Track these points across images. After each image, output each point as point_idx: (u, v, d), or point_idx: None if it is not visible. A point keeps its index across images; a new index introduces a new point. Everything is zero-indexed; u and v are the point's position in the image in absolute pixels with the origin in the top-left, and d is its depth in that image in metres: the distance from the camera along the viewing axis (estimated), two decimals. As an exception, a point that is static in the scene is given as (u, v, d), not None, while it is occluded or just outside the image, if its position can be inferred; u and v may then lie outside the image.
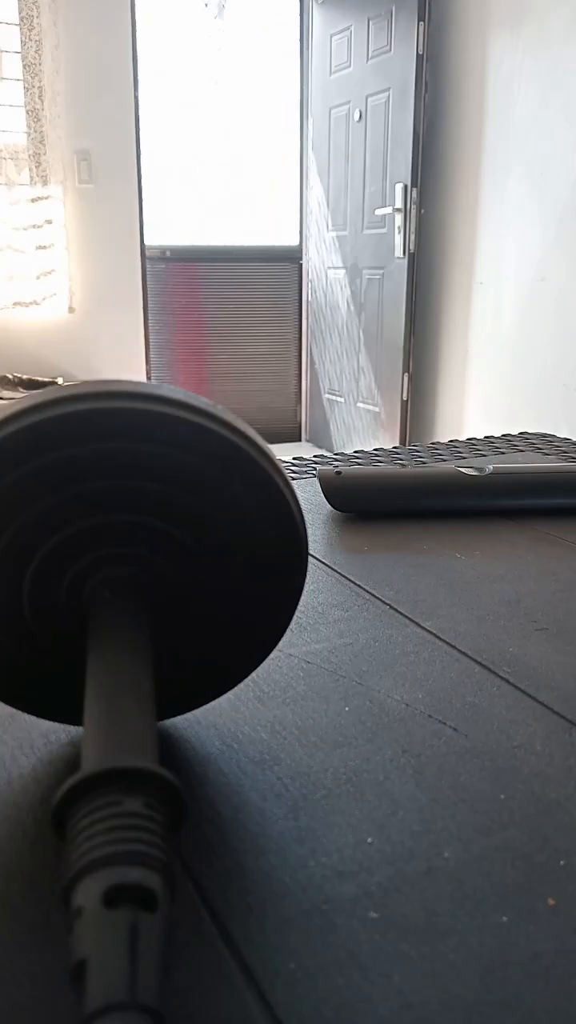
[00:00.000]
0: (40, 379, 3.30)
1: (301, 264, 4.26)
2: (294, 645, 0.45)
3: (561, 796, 0.32)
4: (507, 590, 0.53)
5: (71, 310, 3.43)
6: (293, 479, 0.79)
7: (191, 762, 0.34)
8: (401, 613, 0.49)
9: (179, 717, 0.37)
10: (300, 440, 4.45)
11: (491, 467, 0.68)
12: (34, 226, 3.29)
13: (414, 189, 3.38)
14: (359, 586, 0.53)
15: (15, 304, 3.30)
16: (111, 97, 3.33)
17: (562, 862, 0.29)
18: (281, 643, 0.45)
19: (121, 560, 0.31)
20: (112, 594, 0.31)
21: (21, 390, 3.23)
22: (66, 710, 0.35)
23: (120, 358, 3.59)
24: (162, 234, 4.01)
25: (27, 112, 3.21)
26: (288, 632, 0.46)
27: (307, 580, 0.54)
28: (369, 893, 0.27)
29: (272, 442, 4.27)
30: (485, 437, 0.96)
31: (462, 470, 0.68)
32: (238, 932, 0.26)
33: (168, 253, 4.01)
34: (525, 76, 2.93)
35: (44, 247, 3.32)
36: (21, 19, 3.11)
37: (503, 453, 0.89)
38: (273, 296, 4.29)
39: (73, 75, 3.24)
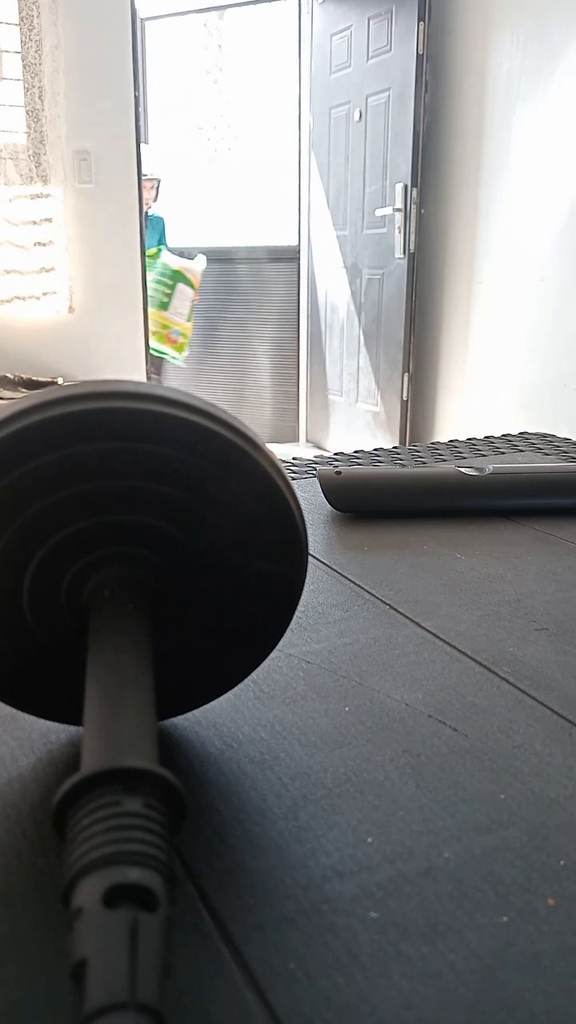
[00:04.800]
0: (40, 379, 3.30)
1: (301, 264, 4.25)
2: (294, 645, 0.45)
3: (561, 796, 0.32)
4: (507, 590, 0.53)
5: (71, 310, 3.43)
6: (293, 479, 0.79)
7: (191, 762, 0.34)
8: (401, 613, 0.49)
9: (179, 717, 0.37)
10: (300, 440, 4.45)
11: (491, 467, 0.68)
12: (33, 222, 3.28)
13: (414, 189, 3.38)
14: (359, 586, 0.53)
15: (15, 298, 3.30)
16: (111, 97, 3.32)
17: (562, 862, 0.29)
18: (281, 643, 0.45)
19: (121, 560, 0.31)
20: (112, 594, 0.31)
21: (21, 390, 3.23)
22: (66, 710, 0.35)
23: (120, 358, 3.58)
24: (162, 234, 4.02)
25: (27, 112, 3.21)
26: (288, 632, 0.46)
27: (307, 580, 0.54)
28: (369, 893, 0.27)
29: (272, 442, 4.27)
30: (485, 437, 0.96)
31: (462, 470, 0.68)
32: (238, 932, 0.26)
33: (168, 253, 4.01)
34: (525, 76, 2.92)
35: (43, 244, 3.31)
36: (21, 19, 3.11)
37: (503, 453, 0.89)
38: (273, 296, 4.29)
39: (73, 75, 3.23)
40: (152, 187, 3.86)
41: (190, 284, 3.92)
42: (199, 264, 3.97)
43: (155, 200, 3.93)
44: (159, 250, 3.91)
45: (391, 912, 0.27)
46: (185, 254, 3.97)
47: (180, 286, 3.89)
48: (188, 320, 3.96)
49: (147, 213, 3.89)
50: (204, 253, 3.99)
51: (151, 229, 3.92)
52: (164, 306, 3.89)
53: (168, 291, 3.88)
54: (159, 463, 0.30)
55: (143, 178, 3.77)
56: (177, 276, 3.89)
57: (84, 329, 3.49)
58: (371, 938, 0.26)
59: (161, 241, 3.99)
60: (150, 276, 3.85)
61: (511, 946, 0.25)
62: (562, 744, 0.36)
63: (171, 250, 3.94)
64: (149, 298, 3.83)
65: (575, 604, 0.50)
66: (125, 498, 0.30)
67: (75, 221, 3.39)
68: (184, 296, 3.91)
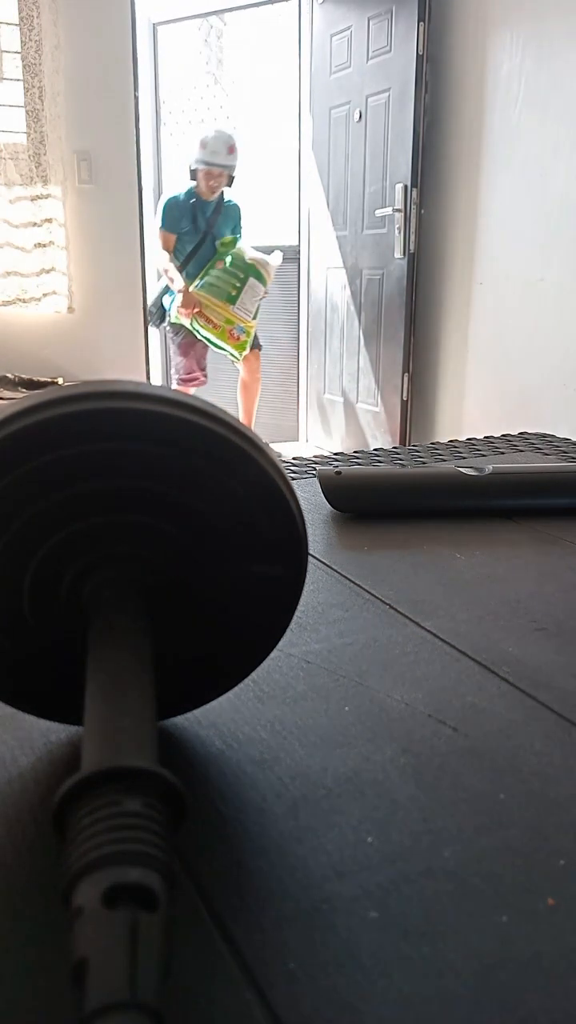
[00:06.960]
0: (40, 379, 3.30)
1: (301, 264, 4.25)
2: (294, 645, 0.45)
3: (561, 796, 0.32)
4: (507, 590, 0.52)
5: (71, 310, 3.43)
6: (293, 479, 0.79)
7: (191, 762, 0.34)
8: (401, 613, 0.49)
9: (179, 717, 0.37)
10: (300, 440, 4.45)
11: (491, 467, 0.68)
12: (33, 223, 3.29)
13: (414, 189, 3.38)
14: (359, 586, 0.53)
15: (16, 299, 3.30)
16: (111, 97, 3.33)
17: (562, 862, 0.29)
18: (281, 643, 0.45)
19: (121, 560, 0.31)
20: (112, 594, 0.31)
21: (21, 390, 3.23)
22: (66, 710, 0.35)
23: (120, 358, 3.58)
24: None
25: (27, 112, 3.21)
26: (288, 632, 0.46)
27: (307, 580, 0.54)
28: (369, 893, 0.27)
29: (272, 442, 4.27)
30: (485, 437, 0.96)
31: (462, 470, 0.68)
32: (238, 932, 0.26)
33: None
34: (525, 76, 2.92)
35: (43, 245, 3.32)
36: (21, 19, 3.11)
37: (503, 453, 0.89)
38: (273, 296, 4.29)
39: (73, 75, 3.23)
40: (221, 174, 3.58)
41: (262, 280, 3.61)
42: (275, 259, 3.66)
43: (228, 185, 3.64)
44: (234, 239, 3.63)
45: (391, 912, 0.27)
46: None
47: (252, 280, 3.58)
48: (254, 318, 3.65)
49: (223, 198, 3.67)
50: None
51: (224, 216, 3.68)
52: (232, 300, 3.55)
53: (238, 284, 3.56)
54: (159, 463, 0.30)
55: (216, 167, 3.52)
56: (250, 269, 3.58)
57: (84, 329, 3.49)
58: (371, 938, 0.26)
59: (235, 231, 3.72)
60: (218, 266, 3.58)
61: (511, 946, 0.25)
62: (562, 744, 0.36)
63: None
64: (215, 289, 3.55)
65: (575, 604, 0.50)
66: (125, 498, 0.30)
67: (75, 221, 3.39)
68: (255, 292, 3.60)
